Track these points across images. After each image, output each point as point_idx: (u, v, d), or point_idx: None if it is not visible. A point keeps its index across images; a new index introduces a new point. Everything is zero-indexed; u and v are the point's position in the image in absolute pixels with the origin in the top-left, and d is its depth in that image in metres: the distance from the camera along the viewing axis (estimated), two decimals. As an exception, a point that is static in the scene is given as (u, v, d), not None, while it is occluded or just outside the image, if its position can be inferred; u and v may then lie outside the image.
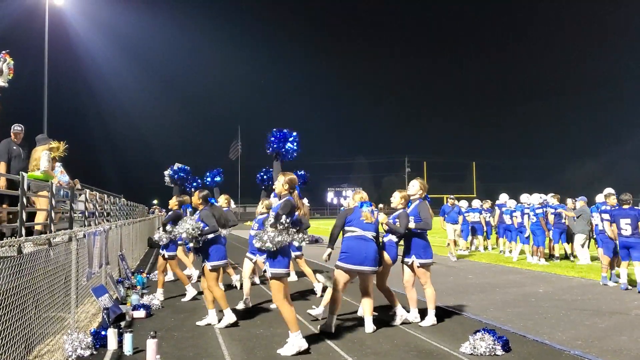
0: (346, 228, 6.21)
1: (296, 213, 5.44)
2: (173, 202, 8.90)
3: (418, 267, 6.49)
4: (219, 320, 6.59)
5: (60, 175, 8.51)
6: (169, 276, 10.71)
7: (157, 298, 8.14)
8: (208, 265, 6.56)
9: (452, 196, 14.95)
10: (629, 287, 9.12)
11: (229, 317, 6.53)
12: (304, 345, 5.25)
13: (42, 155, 7.76)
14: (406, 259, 6.60)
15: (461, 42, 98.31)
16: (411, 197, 6.67)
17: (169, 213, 9.08)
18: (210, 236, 6.56)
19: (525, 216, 13.87)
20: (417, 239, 6.52)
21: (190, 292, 8.64)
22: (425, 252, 6.50)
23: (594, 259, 13.22)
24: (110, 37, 63.00)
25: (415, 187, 6.70)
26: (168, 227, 8.30)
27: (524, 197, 14.65)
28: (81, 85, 64.88)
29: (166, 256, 8.66)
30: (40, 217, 7.29)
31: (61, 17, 29.32)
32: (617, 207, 9.47)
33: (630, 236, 8.86)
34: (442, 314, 7.00)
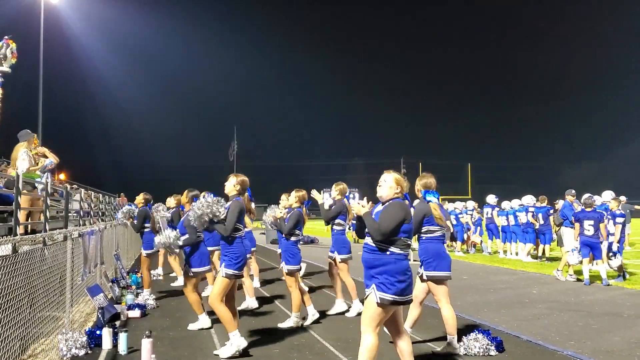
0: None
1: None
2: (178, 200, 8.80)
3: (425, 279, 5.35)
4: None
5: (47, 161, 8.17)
6: (159, 271, 11.41)
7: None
8: (190, 271, 6.42)
9: (572, 191, 11.36)
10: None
11: (203, 322, 6.47)
12: (243, 344, 5.18)
13: (19, 155, 7.48)
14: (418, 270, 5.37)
15: (457, 45, 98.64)
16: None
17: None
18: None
19: (511, 216, 14.51)
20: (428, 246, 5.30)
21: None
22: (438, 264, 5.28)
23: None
24: (106, 36, 62.72)
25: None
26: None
27: (528, 199, 14.58)
28: (77, 83, 64.59)
29: (144, 254, 8.64)
30: (21, 217, 7.28)
31: (57, 15, 29.19)
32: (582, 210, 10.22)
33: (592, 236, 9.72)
34: (436, 314, 7.01)
